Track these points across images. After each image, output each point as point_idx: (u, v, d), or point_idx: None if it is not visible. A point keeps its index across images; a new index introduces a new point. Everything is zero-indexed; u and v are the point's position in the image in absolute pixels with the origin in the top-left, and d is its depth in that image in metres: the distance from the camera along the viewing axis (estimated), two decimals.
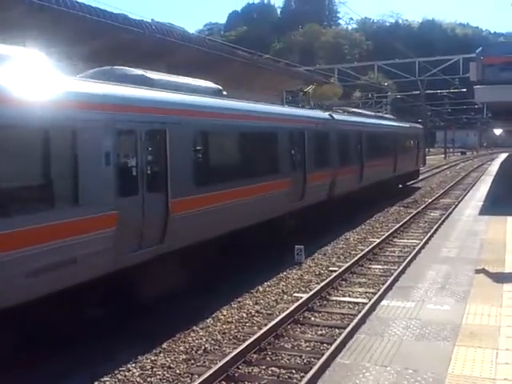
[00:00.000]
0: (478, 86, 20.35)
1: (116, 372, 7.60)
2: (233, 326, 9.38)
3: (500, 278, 9.73)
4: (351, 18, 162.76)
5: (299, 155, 15.32)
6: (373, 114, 28.56)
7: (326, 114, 18.67)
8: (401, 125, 31.49)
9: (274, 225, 13.95)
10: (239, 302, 10.69)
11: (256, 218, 12.49)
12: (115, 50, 14.72)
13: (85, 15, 13.19)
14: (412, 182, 33.90)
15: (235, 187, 11.32)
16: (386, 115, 32.70)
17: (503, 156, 64.88)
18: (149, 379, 7.42)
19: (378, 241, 15.85)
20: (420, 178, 40.44)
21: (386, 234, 16.82)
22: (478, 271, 10.29)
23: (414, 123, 41.07)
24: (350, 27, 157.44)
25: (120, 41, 14.86)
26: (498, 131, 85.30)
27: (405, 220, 19.60)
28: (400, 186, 30.59)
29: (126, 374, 7.60)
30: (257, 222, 12.50)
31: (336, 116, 19.31)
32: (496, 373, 5.83)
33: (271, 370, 7.67)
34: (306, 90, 23.23)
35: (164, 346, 8.49)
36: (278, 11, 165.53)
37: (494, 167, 45.55)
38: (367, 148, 21.53)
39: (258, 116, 13.54)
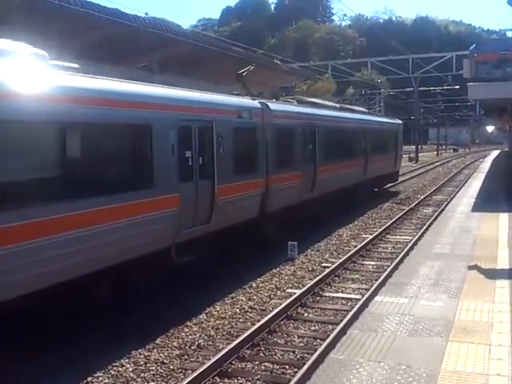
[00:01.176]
0: (471, 83, 20.41)
1: (109, 367, 7.59)
2: (226, 322, 9.38)
3: (492, 274, 9.78)
4: (345, 15, 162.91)
5: (206, 157, 10.97)
6: (336, 105, 23.28)
7: (254, 103, 13.81)
8: (374, 119, 27.41)
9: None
10: (232, 297, 10.69)
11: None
12: (108, 44, 14.65)
13: (78, 9, 13.11)
14: (391, 184, 30.01)
15: None
16: (356, 107, 27.14)
17: (495, 153, 65.22)
18: (142, 375, 7.41)
19: (371, 237, 15.87)
20: (413, 174, 40.63)
21: (379, 231, 16.85)
22: (470, 267, 10.34)
23: (393, 117, 36.62)
24: (343, 23, 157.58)
25: (113, 35, 14.78)
26: (490, 128, 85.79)
27: (397, 216, 19.65)
28: (375, 189, 27.24)
29: (120, 369, 7.59)
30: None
31: (273, 106, 14.50)
32: (489, 368, 5.87)
33: (264, 366, 7.67)
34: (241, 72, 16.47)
35: (157, 341, 8.48)
36: (272, 7, 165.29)
37: (486, 164, 45.76)
38: (324, 146, 17.55)
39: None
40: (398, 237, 16.63)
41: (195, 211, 10.58)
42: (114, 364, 7.66)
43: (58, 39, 13.29)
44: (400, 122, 33.26)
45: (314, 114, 17.65)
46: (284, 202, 14.64)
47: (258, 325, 8.75)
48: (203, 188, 10.81)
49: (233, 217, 11.99)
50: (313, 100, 19.72)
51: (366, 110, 28.13)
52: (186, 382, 6.82)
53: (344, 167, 19.87)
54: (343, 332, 7.42)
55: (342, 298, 10.75)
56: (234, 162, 11.97)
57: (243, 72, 16.35)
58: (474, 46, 21.07)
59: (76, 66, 8.72)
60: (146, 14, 18.03)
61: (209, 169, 11.03)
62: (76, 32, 14.01)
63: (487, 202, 19.55)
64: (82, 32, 14.16)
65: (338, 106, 22.60)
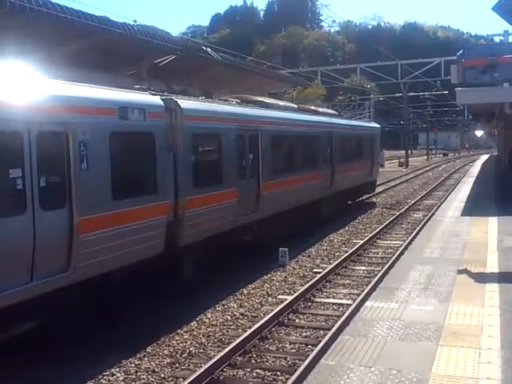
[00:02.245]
0: (459, 88, 20.56)
1: (100, 377, 7.55)
2: (217, 329, 9.36)
3: (482, 278, 9.83)
4: (334, 21, 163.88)
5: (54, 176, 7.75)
6: (293, 105, 19.11)
7: (151, 99, 10.09)
8: (343, 122, 23.27)
9: None
10: (224, 304, 10.68)
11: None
12: (96, 52, 14.61)
13: (66, 17, 13.08)
14: (366, 196, 27.09)
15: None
16: (323, 109, 23.18)
17: (484, 157, 65.65)
18: (133, 383, 7.37)
19: (362, 242, 15.92)
20: (404, 179, 40.79)
21: (370, 236, 16.91)
22: (460, 271, 10.38)
23: (369, 121, 33.63)
24: (332, 30, 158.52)
25: (101, 43, 14.75)
26: (479, 133, 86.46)
27: (388, 221, 19.73)
28: (350, 202, 24.61)
29: (110, 378, 7.55)
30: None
31: (185, 104, 10.91)
32: (479, 372, 5.89)
33: (256, 373, 7.67)
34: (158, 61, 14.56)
35: (148, 349, 8.44)
36: (261, 14, 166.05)
37: (476, 168, 46.05)
38: (272, 155, 14.42)
39: None
40: (389, 242, 16.69)
41: None
42: (104, 373, 7.63)
43: (47, 46, 13.25)
44: (377, 125, 29.70)
45: (255, 115, 14.03)
46: (210, 228, 11.36)
47: (249, 331, 8.75)
48: None
49: (104, 261, 8.41)
50: (261, 99, 15.84)
51: (336, 113, 24.13)
52: None
53: (301, 180, 16.52)
54: (334, 338, 7.43)
55: (334, 304, 10.77)
56: (109, 181, 8.60)
57: (160, 62, 14.10)
58: (462, 51, 21.21)
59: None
60: (135, 21, 17.99)
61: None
62: (64, 39, 13.97)
63: (477, 206, 19.66)
64: (70, 39, 14.11)
65: (295, 106, 18.69)
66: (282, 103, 17.74)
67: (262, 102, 15.67)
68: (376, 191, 31.63)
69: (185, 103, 10.92)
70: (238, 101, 14.50)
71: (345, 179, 20.98)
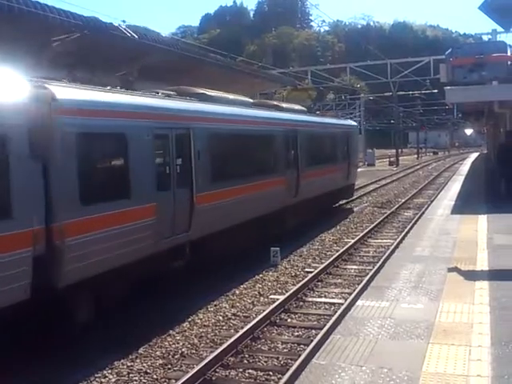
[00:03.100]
0: (448, 87, 20.67)
1: (92, 379, 7.53)
2: (209, 330, 9.37)
3: (472, 275, 9.89)
4: (323, 21, 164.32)
5: None
6: (249, 100, 16.03)
7: (9, 87, 7.35)
8: (311, 120, 20.23)
9: None
10: (215, 305, 10.68)
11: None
12: (85, 53, 14.57)
13: (55, 16, 13.04)
14: (344, 201, 24.75)
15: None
16: (287, 104, 19.92)
17: (474, 155, 66.03)
18: None
19: (353, 241, 15.98)
20: (394, 178, 40.94)
21: (361, 235, 16.97)
22: (450, 269, 10.44)
23: (346, 119, 30.19)
24: (322, 30, 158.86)
25: (90, 43, 14.71)
26: (468, 131, 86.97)
27: (379, 220, 19.80)
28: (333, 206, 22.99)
29: (102, 380, 7.54)
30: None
31: (65, 93, 8.17)
32: (469, 369, 5.93)
33: (248, 373, 7.68)
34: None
35: (140, 351, 8.43)
36: (251, 14, 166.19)
37: (465, 167, 46.31)
38: (210, 161, 11.78)
39: None
40: (380, 240, 16.76)
41: None
42: (96, 375, 7.61)
43: (35, 46, 13.22)
44: (354, 124, 27.34)
45: (186, 109, 11.47)
46: (112, 258, 8.77)
47: (241, 332, 8.76)
48: None
49: None
50: (202, 91, 13.04)
51: (304, 109, 20.98)
52: None
53: (256, 188, 13.97)
54: (326, 337, 7.45)
55: (325, 303, 10.81)
56: None
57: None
58: (450, 50, 21.34)
59: None
60: (124, 21, 17.93)
61: None
62: (52, 41, 13.92)
63: (466, 204, 19.78)
64: (58, 41, 14.07)
65: (249, 100, 15.91)
66: (231, 97, 14.47)
67: (203, 95, 12.87)
68: (367, 190, 31.80)
69: (64, 92, 8.10)
70: (172, 93, 12.05)
71: (314, 185, 18.40)
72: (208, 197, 11.58)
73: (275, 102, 18.55)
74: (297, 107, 20.10)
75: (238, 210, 12.93)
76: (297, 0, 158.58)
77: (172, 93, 12.09)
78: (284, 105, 18.93)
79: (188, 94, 12.61)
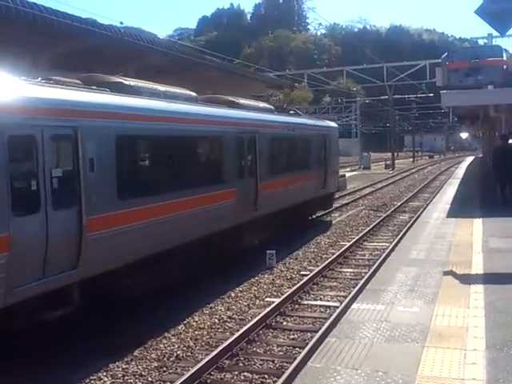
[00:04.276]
0: (443, 91, 20.74)
1: (87, 381, 7.52)
2: (205, 332, 9.36)
3: (467, 279, 9.89)
4: (320, 24, 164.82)
5: None
6: (191, 94, 12.89)
7: None
8: (276, 119, 17.32)
9: None
10: (211, 307, 10.67)
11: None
12: (82, 54, 14.57)
13: (52, 18, 13.03)
14: (322, 213, 22.09)
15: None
16: (244, 100, 16.28)
17: (470, 159, 66.16)
18: None
19: (349, 244, 15.99)
20: (390, 181, 41.03)
21: (357, 238, 16.99)
22: (445, 273, 10.44)
23: (324, 119, 27.07)
24: (319, 33, 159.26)
25: (88, 45, 14.72)
26: (464, 135, 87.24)
27: (375, 223, 19.83)
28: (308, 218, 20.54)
29: (97, 382, 7.53)
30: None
31: None
32: (464, 373, 5.93)
33: (244, 376, 7.67)
34: None
35: (135, 353, 8.42)
36: (248, 16, 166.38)
37: (461, 170, 46.41)
38: (116, 174, 9.12)
39: None
40: (375, 243, 16.78)
41: None
42: (91, 377, 7.59)
43: (32, 48, 13.20)
44: (333, 125, 24.21)
45: (67, 101, 8.30)
46: None
47: (236, 334, 8.76)
48: None
49: None
50: (118, 80, 10.63)
51: (270, 107, 18.32)
52: None
53: (191, 205, 11.14)
54: (321, 340, 7.45)
55: (321, 306, 10.81)
56: None
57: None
58: (446, 54, 21.42)
59: None
60: (121, 23, 17.98)
61: None
62: (50, 42, 13.91)
63: (462, 207, 19.81)
64: (56, 42, 14.06)
65: (193, 95, 12.88)
66: (162, 88, 11.61)
67: (120, 85, 10.36)
68: (363, 193, 31.82)
69: None
70: (77, 81, 9.54)
71: (280, 196, 15.81)
72: (111, 220, 8.81)
73: (231, 98, 15.05)
74: (261, 105, 17.50)
75: (162, 233, 10.08)
76: (294, 3, 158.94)
77: (77, 81, 9.57)
78: (242, 101, 15.66)
79: (99, 83, 10.02)
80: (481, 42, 31.51)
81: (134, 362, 8.13)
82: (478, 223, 15.99)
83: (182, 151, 11.29)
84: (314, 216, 21.16)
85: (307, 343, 8.43)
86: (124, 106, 9.59)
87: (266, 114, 16.56)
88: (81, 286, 8.41)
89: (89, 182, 8.33)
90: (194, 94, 12.84)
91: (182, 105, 11.66)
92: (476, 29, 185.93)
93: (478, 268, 10.77)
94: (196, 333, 9.33)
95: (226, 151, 13.03)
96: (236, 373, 7.75)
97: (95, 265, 8.55)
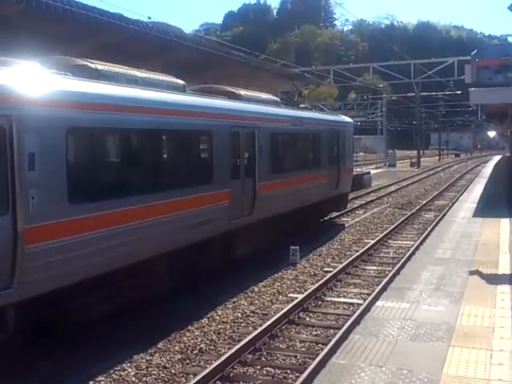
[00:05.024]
0: (472, 89, 20.43)
1: (111, 371, 7.60)
2: (228, 326, 9.39)
3: (494, 279, 9.78)
4: (347, 20, 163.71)
5: None
6: (178, 82, 11.27)
7: None
8: (281, 113, 15.48)
9: None
10: (234, 302, 10.71)
11: None
12: (112, 48, 14.71)
13: (82, 13, 13.18)
14: (334, 215, 20.64)
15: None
16: (245, 91, 14.39)
17: (497, 158, 65.19)
18: (144, 379, 7.42)
19: (373, 242, 15.88)
20: (415, 179, 40.63)
21: (381, 236, 16.85)
22: (471, 272, 10.33)
23: (338, 114, 25.62)
24: (345, 28, 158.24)
25: (115, 40, 14.85)
26: (491, 133, 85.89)
27: (399, 221, 19.65)
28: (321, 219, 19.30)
29: (122, 373, 7.60)
30: None
31: None
32: (490, 374, 5.87)
33: (266, 370, 7.68)
34: None
35: (159, 345, 8.49)
36: (275, 12, 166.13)
37: (488, 169, 45.75)
38: (70, 171, 7.59)
39: None
40: (400, 242, 16.64)
41: None
42: (115, 368, 7.68)
43: (62, 43, 13.36)
44: (348, 119, 22.08)
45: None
46: None
47: (259, 329, 8.76)
48: None
49: None
50: (83, 63, 9.10)
51: (276, 99, 16.44)
52: None
53: (175, 207, 9.76)
54: (345, 337, 7.43)
55: (344, 303, 10.76)
56: None
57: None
58: (476, 51, 21.10)
59: None
60: (149, 18, 18.12)
61: None
62: (79, 36, 14.08)
63: (489, 207, 19.54)
64: (85, 36, 14.23)
65: (180, 83, 11.25)
66: (141, 74, 10.16)
67: (84, 68, 8.92)
68: (388, 191, 31.56)
69: None
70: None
71: (283, 198, 14.30)
72: (59, 229, 7.38)
73: (229, 89, 13.71)
74: (264, 96, 15.53)
75: (127, 244, 8.63)
76: None
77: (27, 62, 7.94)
78: (242, 92, 14.02)
79: (61, 66, 8.56)
80: (510, 39, 30.95)
81: (157, 354, 8.20)
82: (505, 223, 15.78)
83: (159, 147, 10.00)
84: (327, 217, 19.85)
85: (330, 340, 8.40)
86: (80, 93, 7.93)
87: (268, 106, 14.89)
88: (18, 308, 7.04)
89: (27, 183, 6.89)
90: (181, 82, 11.31)
91: (163, 93, 10.03)
92: (505, 26, 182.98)
93: (504, 268, 10.64)
94: (219, 327, 9.37)
95: (217, 147, 11.41)
96: (258, 367, 7.76)
97: (36, 283, 7.06)
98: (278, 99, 16.61)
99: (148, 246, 9.16)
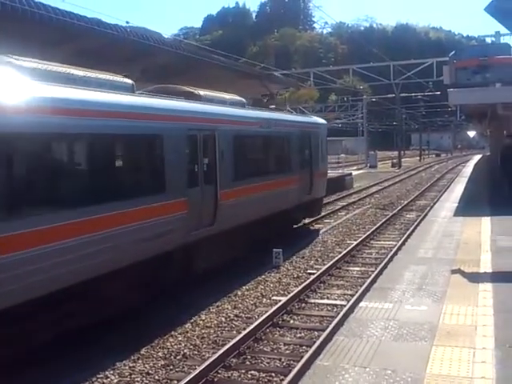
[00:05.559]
0: (451, 89, 20.64)
1: (94, 379, 7.52)
2: (212, 331, 9.34)
3: (475, 277, 9.85)
4: (326, 22, 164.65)
5: None
6: (126, 82, 10.30)
7: None
8: (245, 114, 14.34)
9: None
10: (218, 306, 10.66)
11: None
12: (89, 54, 14.57)
13: (59, 18, 13.04)
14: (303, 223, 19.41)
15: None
16: (204, 91, 13.04)
17: (477, 158, 65.92)
18: None
19: (356, 243, 15.93)
20: (397, 180, 40.91)
21: (363, 236, 16.92)
22: (453, 271, 10.40)
23: (310, 115, 24.47)
24: (324, 31, 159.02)
25: (94, 45, 14.72)
26: (471, 133, 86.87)
27: (381, 222, 19.76)
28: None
29: (104, 381, 7.52)
30: None
31: None
32: (473, 371, 5.90)
33: (251, 374, 7.66)
34: None
35: (142, 351, 8.41)
36: (254, 15, 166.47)
37: (468, 169, 46.23)
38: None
39: None
40: (382, 242, 16.71)
41: None
42: (98, 376, 7.59)
43: (39, 48, 13.20)
44: (321, 121, 20.97)
45: None
46: None
47: (243, 333, 8.73)
48: None
49: None
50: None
51: (241, 100, 15.06)
52: None
53: (115, 221, 8.72)
54: (329, 338, 7.42)
55: (328, 305, 10.77)
56: None
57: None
58: (454, 52, 21.33)
59: None
60: (127, 22, 17.96)
61: None
62: (56, 41, 13.92)
63: (469, 206, 19.72)
64: (62, 41, 14.08)
65: (128, 83, 10.35)
66: (80, 73, 9.20)
67: (8, 64, 7.91)
68: (370, 192, 31.71)
69: None
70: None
71: (249, 206, 13.39)
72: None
73: (188, 89, 12.69)
74: (228, 97, 14.32)
75: (64, 263, 7.72)
76: (299, 1, 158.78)
77: None
78: (203, 92, 12.90)
79: None
80: (488, 40, 31.35)
81: (140, 361, 8.12)
82: (486, 222, 15.92)
83: (98, 153, 8.77)
84: (300, 224, 18.88)
85: (314, 342, 8.40)
86: None
87: (232, 107, 13.83)
88: None
89: None
90: (129, 81, 10.35)
91: (103, 94, 9.00)
92: (482, 27, 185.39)
93: (486, 266, 10.72)
94: (203, 331, 9.31)
95: (170, 153, 10.30)
96: (243, 371, 7.73)
97: None
98: (243, 100, 15.30)
99: (91, 264, 8.21)
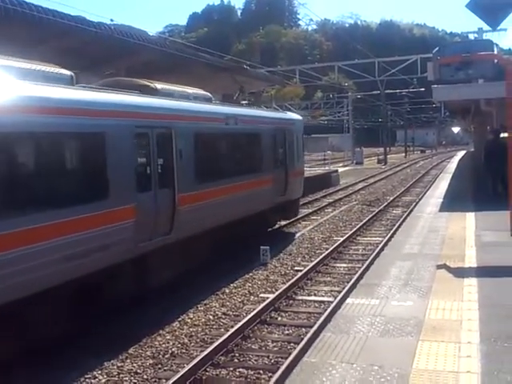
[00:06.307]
0: (435, 86, 20.77)
1: (82, 380, 7.49)
2: (200, 329, 9.35)
3: (460, 272, 9.93)
4: (311, 20, 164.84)
5: None
6: (65, 74, 9.14)
7: None
8: (208, 110, 12.98)
9: None
10: (205, 304, 10.66)
11: None
12: (72, 51, 14.47)
13: (41, 16, 12.93)
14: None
15: None
16: (161, 85, 11.83)
17: (461, 154, 66.45)
18: None
19: (342, 239, 16.01)
20: (382, 176, 41.14)
21: (350, 233, 17.01)
22: (439, 266, 10.47)
23: (285, 111, 23.06)
24: (309, 28, 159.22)
25: (79, 43, 14.62)
26: (455, 129, 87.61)
27: (368, 218, 19.87)
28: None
29: (92, 381, 7.50)
30: None
31: None
32: (459, 366, 5.95)
33: (239, 372, 7.68)
34: None
35: (130, 351, 8.40)
36: (239, 12, 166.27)
37: (453, 165, 46.59)
38: None
39: None
40: (369, 238, 16.81)
41: None
42: (86, 376, 7.57)
43: (21, 46, 13.08)
44: (296, 117, 19.94)
45: None
46: None
47: (231, 331, 8.75)
48: None
49: None
50: None
51: (207, 94, 13.96)
52: None
53: (48, 233, 7.60)
54: (316, 335, 7.46)
55: (315, 301, 10.82)
56: None
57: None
58: (437, 48, 21.41)
59: None
60: (112, 20, 17.84)
61: None
62: (40, 39, 13.81)
63: (454, 202, 19.88)
64: (45, 39, 13.96)
65: (66, 75, 9.25)
66: (16, 64, 8.22)
67: None
68: (356, 188, 31.85)
69: None
70: None
71: (214, 210, 12.24)
72: None
73: (143, 82, 11.56)
74: (191, 91, 13.09)
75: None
76: None
77: None
78: (160, 86, 11.75)
79: None
80: (471, 36, 31.59)
81: (128, 360, 8.11)
82: (470, 217, 16.05)
83: (18, 154, 7.56)
84: (275, 227, 17.86)
85: (302, 338, 8.44)
86: None
87: (193, 102, 12.61)
88: None
89: None
90: (67, 72, 9.21)
91: (24, 85, 7.68)
92: (466, 23, 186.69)
93: (471, 261, 10.81)
94: (191, 330, 9.32)
95: (114, 153, 9.02)
96: (231, 369, 7.75)
97: None
98: (209, 94, 14.07)
99: (6, 287, 6.98)
